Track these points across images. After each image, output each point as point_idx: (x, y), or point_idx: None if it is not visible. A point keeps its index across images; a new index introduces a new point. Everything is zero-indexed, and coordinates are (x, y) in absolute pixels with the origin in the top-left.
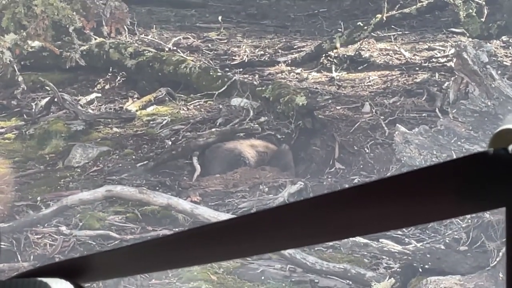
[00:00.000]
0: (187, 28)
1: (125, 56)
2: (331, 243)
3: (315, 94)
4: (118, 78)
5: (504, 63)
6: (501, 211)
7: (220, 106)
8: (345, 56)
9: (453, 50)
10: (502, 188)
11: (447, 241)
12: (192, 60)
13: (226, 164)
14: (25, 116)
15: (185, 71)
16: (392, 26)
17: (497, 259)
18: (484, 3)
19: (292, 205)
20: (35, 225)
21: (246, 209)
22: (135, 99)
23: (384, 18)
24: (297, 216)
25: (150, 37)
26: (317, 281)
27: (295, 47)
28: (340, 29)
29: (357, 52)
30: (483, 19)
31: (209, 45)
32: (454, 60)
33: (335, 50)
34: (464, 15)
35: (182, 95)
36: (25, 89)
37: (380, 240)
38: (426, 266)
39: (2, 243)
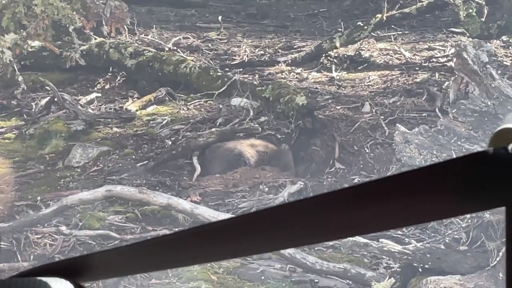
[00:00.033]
0: (187, 28)
1: (125, 56)
2: (331, 243)
3: (315, 94)
4: (118, 78)
5: (504, 63)
6: (501, 211)
7: (220, 106)
8: (345, 56)
9: (453, 50)
10: (502, 187)
11: (447, 241)
12: (192, 60)
13: (226, 164)
14: (25, 116)
15: (185, 71)
16: (392, 26)
17: (497, 259)
18: (484, 3)
19: (292, 205)
20: (35, 225)
21: (246, 209)
22: (135, 99)
23: (384, 18)
24: (297, 215)
25: (150, 37)
26: (317, 281)
27: (295, 47)
28: (340, 29)
29: (357, 52)
30: (483, 19)
31: (209, 45)
32: (454, 60)
33: (335, 50)
34: (464, 15)
35: (182, 95)
36: (25, 89)
37: (380, 240)
38: (426, 266)
39: (2, 243)
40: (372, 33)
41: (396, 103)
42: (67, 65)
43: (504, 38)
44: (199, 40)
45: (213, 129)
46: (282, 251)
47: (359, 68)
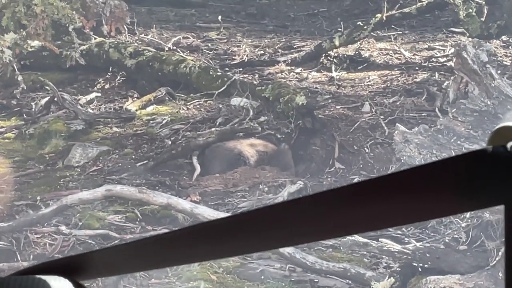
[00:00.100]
0: (187, 27)
1: (125, 55)
2: (330, 243)
3: (315, 94)
4: (118, 77)
5: (504, 62)
6: (501, 211)
7: (220, 106)
8: (345, 55)
9: (453, 50)
10: (501, 185)
11: (446, 240)
12: (192, 60)
13: (226, 164)
14: (25, 116)
15: (185, 71)
16: (392, 26)
17: (497, 259)
18: (484, 3)
19: (291, 203)
20: (34, 224)
21: (246, 208)
22: (135, 98)
23: (384, 18)
24: (296, 213)
25: (150, 36)
26: (316, 280)
27: (295, 46)
28: (340, 29)
29: (357, 52)
30: (483, 19)
31: (209, 44)
32: (454, 59)
33: (335, 50)
34: (464, 14)
35: (182, 95)
36: (25, 88)
37: (380, 239)
38: (426, 266)
39: (1, 243)
40: (372, 33)
41: (396, 103)
42: (67, 65)
43: (504, 38)
44: (199, 40)
45: (213, 129)
46: (281, 251)
47: (359, 68)
